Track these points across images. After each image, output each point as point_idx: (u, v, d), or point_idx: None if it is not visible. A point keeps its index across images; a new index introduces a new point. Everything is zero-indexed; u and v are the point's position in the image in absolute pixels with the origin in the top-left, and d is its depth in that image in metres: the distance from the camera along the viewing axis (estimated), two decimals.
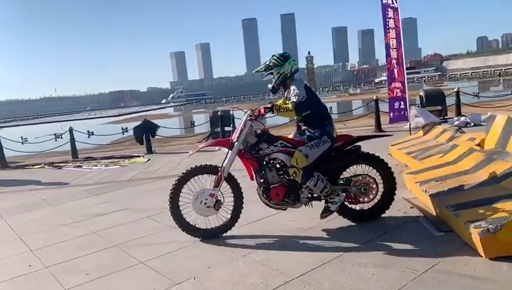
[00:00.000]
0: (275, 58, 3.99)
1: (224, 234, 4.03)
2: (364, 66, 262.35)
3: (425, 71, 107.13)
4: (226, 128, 11.85)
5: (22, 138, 20.54)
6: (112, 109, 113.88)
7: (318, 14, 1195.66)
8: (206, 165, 4.07)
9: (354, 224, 4.03)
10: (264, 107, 3.86)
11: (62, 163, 10.44)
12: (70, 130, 11.56)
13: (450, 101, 12.42)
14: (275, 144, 3.89)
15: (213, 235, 4.00)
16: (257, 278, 3.06)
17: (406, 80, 7.24)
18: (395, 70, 7.32)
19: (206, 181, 4.02)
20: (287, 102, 3.94)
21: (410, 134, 7.80)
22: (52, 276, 3.51)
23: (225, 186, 4.00)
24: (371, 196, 4.05)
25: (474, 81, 65.89)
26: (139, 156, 10.26)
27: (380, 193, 4.09)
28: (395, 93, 7.31)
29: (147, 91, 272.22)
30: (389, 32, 7.36)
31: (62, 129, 23.64)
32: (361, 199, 4.05)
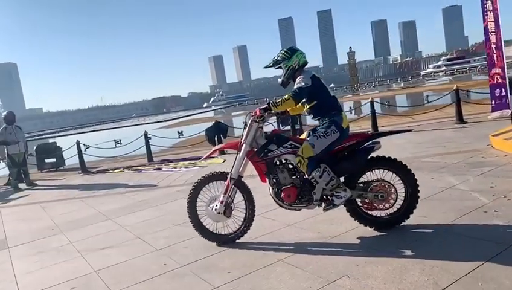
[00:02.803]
0: (283, 52, 3.97)
1: (361, 233, 3.89)
2: (408, 58, 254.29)
3: (475, 60, 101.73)
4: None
5: (84, 145, 21.45)
6: (156, 115, 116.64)
7: (356, 9, 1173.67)
8: (217, 172, 4.13)
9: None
10: (259, 109, 3.76)
11: (140, 166, 10.70)
12: (145, 135, 11.84)
13: None
14: (284, 146, 3.79)
15: (228, 241, 4.07)
16: (420, 276, 2.91)
17: (505, 65, 6.80)
18: (494, 55, 6.90)
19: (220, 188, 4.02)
20: None
21: None
22: (194, 274, 3.52)
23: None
24: (388, 204, 3.79)
25: None
26: (214, 157, 10.33)
27: (400, 201, 3.81)
28: (495, 80, 6.89)
29: (188, 96, 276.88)
30: (487, 15, 6.96)
31: (120, 135, 24.42)
32: (378, 206, 3.80)
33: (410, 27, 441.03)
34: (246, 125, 3.92)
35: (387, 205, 3.80)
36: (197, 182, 4.12)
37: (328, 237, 3.91)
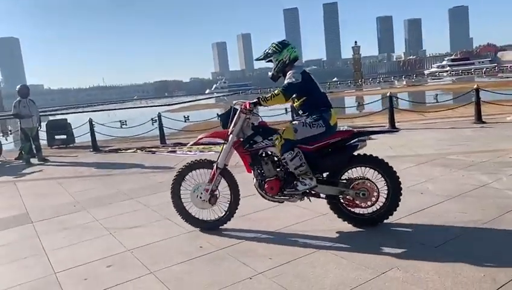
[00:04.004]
0: (274, 45, 3.97)
1: (390, 222, 3.84)
2: (411, 57, 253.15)
3: (480, 62, 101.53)
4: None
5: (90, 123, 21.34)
6: (158, 98, 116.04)
7: (362, 3, 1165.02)
8: (203, 159, 4.18)
9: None
10: (249, 103, 3.76)
11: (153, 148, 10.61)
12: (159, 116, 11.76)
13: None
14: (269, 138, 3.78)
15: (211, 227, 4.13)
16: (475, 271, 2.85)
17: None
18: None
19: (206, 175, 4.06)
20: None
21: None
22: (234, 258, 3.46)
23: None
24: (370, 202, 3.76)
25: None
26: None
27: (382, 200, 3.79)
28: None
29: (190, 81, 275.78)
30: None
31: (124, 116, 24.28)
32: (359, 204, 3.79)
33: (415, 25, 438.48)
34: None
35: (369, 203, 3.78)
36: (181, 169, 4.18)
37: (369, 228, 3.85)
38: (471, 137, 8.15)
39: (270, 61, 3.99)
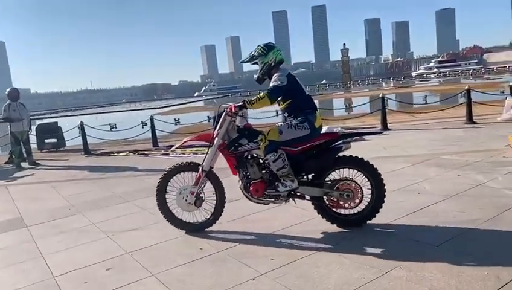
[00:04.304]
0: (259, 48, 3.97)
1: (407, 225, 3.85)
2: (399, 59, 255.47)
3: (466, 64, 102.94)
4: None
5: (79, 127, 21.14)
6: (147, 101, 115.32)
7: (350, 6, 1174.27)
8: (189, 162, 4.19)
9: None
10: (234, 106, 3.77)
11: (146, 151, 10.53)
12: (151, 119, 11.67)
13: None
14: (254, 141, 3.80)
15: (197, 230, 4.13)
16: (479, 270, 2.87)
17: None
18: None
19: (192, 178, 4.09)
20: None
21: None
22: (235, 260, 3.44)
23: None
24: (354, 203, 3.81)
25: None
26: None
27: (366, 201, 3.83)
28: None
29: (179, 84, 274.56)
30: None
31: (113, 120, 24.06)
32: (343, 204, 3.83)
33: (403, 27, 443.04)
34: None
35: (352, 204, 3.81)
36: (166, 172, 4.17)
37: (368, 227, 3.86)
38: (463, 137, 8.24)
39: (256, 63, 4.01)
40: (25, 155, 10.20)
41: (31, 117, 11.66)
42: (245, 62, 4.12)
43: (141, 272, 3.38)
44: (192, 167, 4.14)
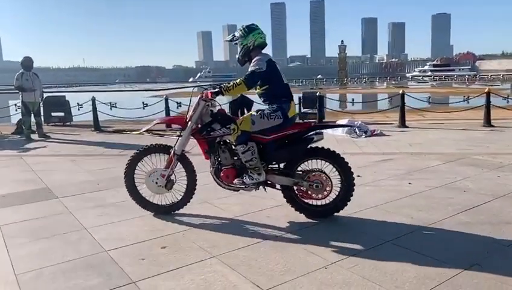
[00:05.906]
0: (241, 29, 3.94)
1: (456, 221, 3.76)
2: (393, 59, 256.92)
3: (460, 70, 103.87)
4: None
5: (78, 104, 20.75)
6: (140, 83, 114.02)
7: (349, 3, 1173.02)
8: (160, 144, 4.10)
9: None
10: (211, 92, 3.72)
11: (161, 131, 10.30)
12: (166, 99, 11.45)
13: None
14: (227, 126, 3.76)
15: (165, 212, 4.11)
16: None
17: None
18: None
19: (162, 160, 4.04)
20: None
21: None
22: (299, 246, 3.31)
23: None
24: (322, 195, 3.81)
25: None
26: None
27: (335, 193, 3.84)
28: None
29: (173, 68, 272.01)
30: None
31: (111, 99, 23.62)
32: (312, 195, 3.84)
33: (399, 29, 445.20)
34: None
35: (320, 195, 3.82)
36: (136, 153, 4.10)
37: (423, 222, 3.77)
38: (486, 139, 8.20)
39: (237, 44, 3.93)
40: (34, 127, 9.90)
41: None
42: (228, 41, 4.08)
43: (200, 253, 3.23)
44: (162, 149, 4.07)
